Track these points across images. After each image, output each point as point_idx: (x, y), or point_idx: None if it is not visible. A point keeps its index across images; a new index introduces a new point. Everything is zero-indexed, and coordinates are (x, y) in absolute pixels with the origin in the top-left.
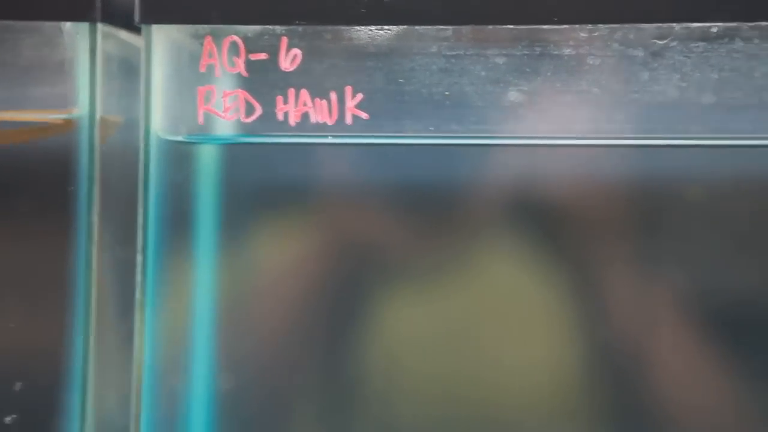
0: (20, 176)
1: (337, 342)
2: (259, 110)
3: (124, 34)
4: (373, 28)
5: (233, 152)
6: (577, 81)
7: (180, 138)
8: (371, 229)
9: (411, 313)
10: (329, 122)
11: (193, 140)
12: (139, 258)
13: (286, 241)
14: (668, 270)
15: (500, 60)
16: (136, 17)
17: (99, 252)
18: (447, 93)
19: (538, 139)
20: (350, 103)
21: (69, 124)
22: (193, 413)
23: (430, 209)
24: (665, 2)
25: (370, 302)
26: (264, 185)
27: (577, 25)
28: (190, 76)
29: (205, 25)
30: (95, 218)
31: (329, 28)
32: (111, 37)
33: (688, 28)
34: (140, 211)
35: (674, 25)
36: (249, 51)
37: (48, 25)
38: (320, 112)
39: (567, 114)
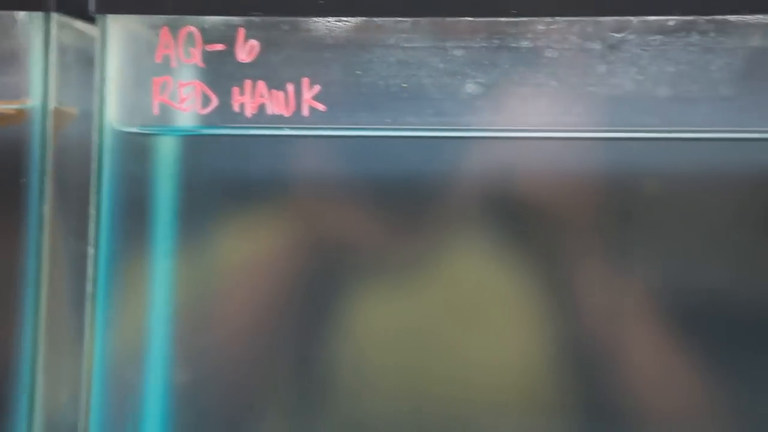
0: None
1: (296, 336)
2: (215, 101)
3: (80, 25)
4: (331, 19)
5: (189, 144)
6: (534, 74)
7: (134, 129)
8: (331, 222)
9: (370, 308)
10: (286, 114)
11: (147, 131)
12: (91, 250)
13: (245, 233)
14: (630, 262)
15: (458, 52)
16: (91, 7)
17: (51, 245)
18: (405, 85)
19: (496, 131)
20: (307, 94)
21: (21, 115)
22: (147, 409)
23: (389, 202)
24: None
25: (327, 295)
26: (220, 177)
27: (535, 18)
28: (146, 66)
29: (161, 16)
30: (47, 210)
31: (287, 19)
32: (66, 27)
33: (645, 21)
34: (93, 202)
35: (631, 18)
36: (205, 42)
37: (1, 15)
38: (277, 104)
39: (524, 106)
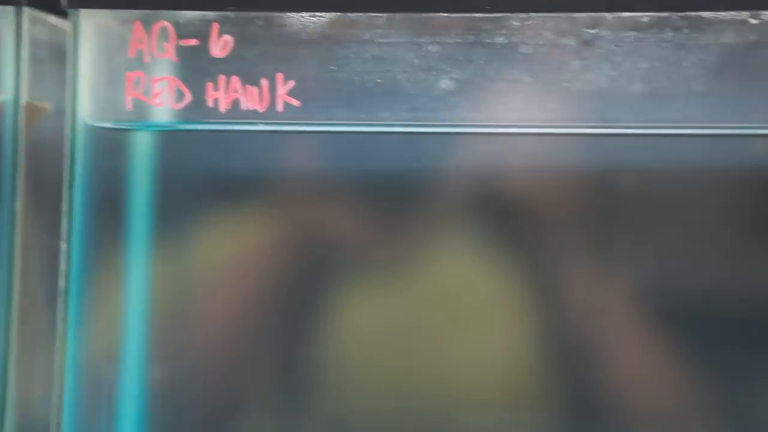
0: None
1: (273, 332)
2: (189, 97)
3: (52, 19)
4: (305, 14)
5: (163, 139)
6: (509, 69)
7: (107, 124)
8: (309, 218)
9: (347, 304)
10: (260, 109)
11: (120, 127)
12: (63, 246)
13: (221, 229)
14: (607, 256)
15: (433, 48)
16: (63, 2)
17: (23, 240)
18: (379, 81)
19: (471, 127)
20: (281, 90)
21: None
22: (122, 407)
23: (368, 198)
24: None
25: (303, 291)
26: (195, 172)
27: (509, 14)
28: (119, 61)
29: (134, 11)
30: (19, 205)
31: (261, 14)
32: (39, 22)
33: (619, 17)
34: (65, 197)
35: (605, 14)
36: (179, 37)
37: None
38: (251, 99)
39: (499, 102)
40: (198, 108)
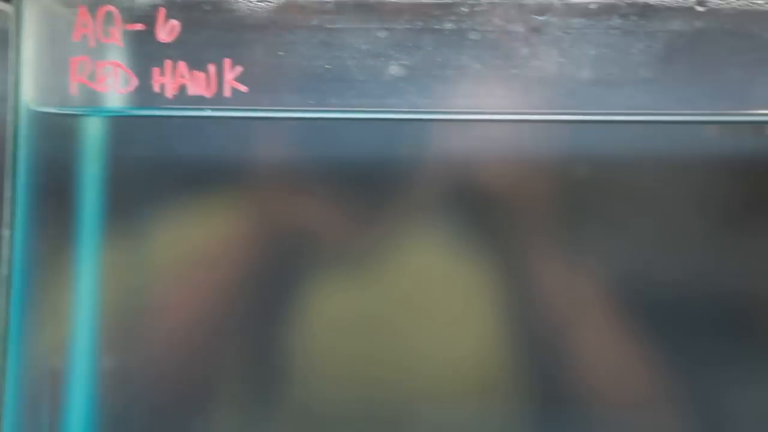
0: None
1: (228, 323)
2: (134, 82)
3: None
4: None
5: (108, 124)
6: (458, 56)
7: (51, 109)
8: (263, 206)
9: (302, 294)
10: (207, 95)
11: (65, 112)
12: (6, 232)
13: (172, 217)
14: (560, 245)
15: (382, 34)
16: None
17: None
18: (328, 67)
19: (420, 113)
20: (229, 75)
21: None
22: (69, 398)
23: (319, 185)
24: None
25: (257, 277)
26: (139, 158)
27: (458, 0)
28: (63, 46)
29: None
30: None
31: None
32: None
33: (567, 4)
34: (8, 184)
35: (554, 1)
36: (125, 21)
37: None
38: (198, 85)
39: (448, 89)
40: (144, 93)
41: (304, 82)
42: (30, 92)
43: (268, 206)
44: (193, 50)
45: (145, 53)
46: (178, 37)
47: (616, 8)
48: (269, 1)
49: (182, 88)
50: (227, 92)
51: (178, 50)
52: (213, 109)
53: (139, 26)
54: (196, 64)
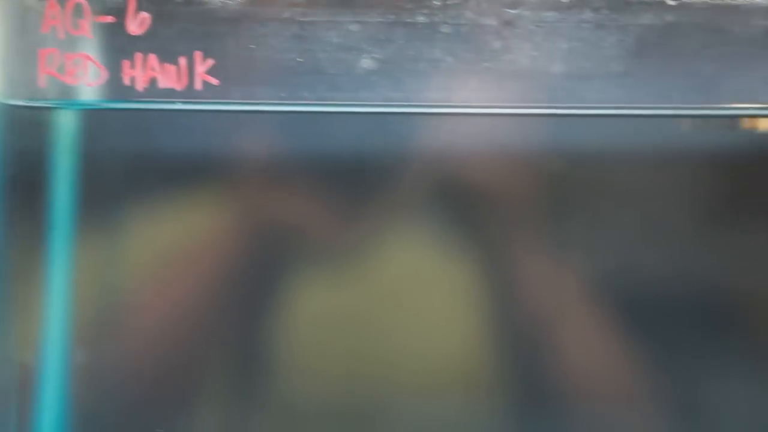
0: None
1: (204, 320)
2: (104, 75)
3: None
4: None
5: (80, 117)
6: (430, 49)
7: (20, 102)
8: (238, 200)
9: (275, 291)
10: (178, 88)
11: (33, 104)
12: None
13: (145, 212)
14: (530, 234)
15: (354, 27)
16: None
17: None
18: (300, 60)
19: (392, 107)
20: (200, 68)
21: None
22: (41, 394)
23: (290, 178)
24: None
25: (225, 274)
26: (111, 151)
27: None
28: (32, 38)
29: None
30: None
31: None
32: None
33: None
34: None
35: None
36: (95, 13)
37: None
38: (169, 78)
39: (420, 82)
40: (114, 86)
41: (276, 75)
42: None
43: (244, 200)
44: (163, 43)
45: (115, 46)
46: (148, 29)
47: (588, 2)
48: None
49: (153, 81)
50: (198, 85)
51: (149, 43)
52: (185, 102)
53: (109, 18)
54: (167, 56)
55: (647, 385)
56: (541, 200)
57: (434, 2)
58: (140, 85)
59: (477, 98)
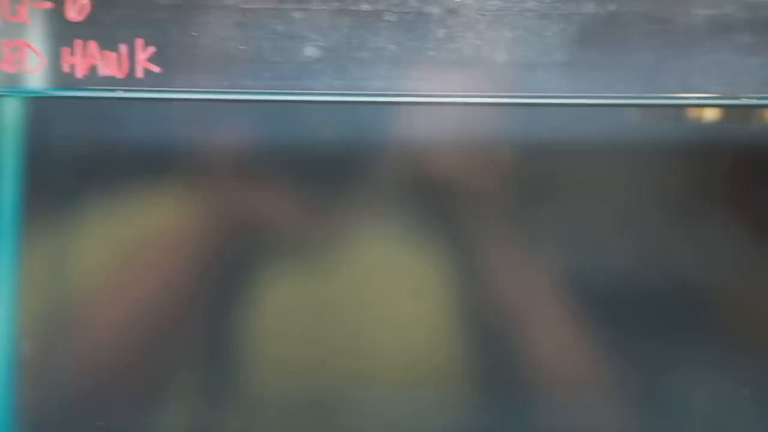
0: None
1: (149, 316)
2: (43, 62)
3: None
4: None
5: (22, 105)
6: (374, 37)
7: None
8: (188, 192)
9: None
10: (119, 75)
11: None
12: None
13: (92, 203)
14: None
15: (297, 15)
16: None
17: None
18: (243, 47)
19: (335, 95)
20: (141, 56)
21: None
22: None
23: (224, 166)
24: None
25: (176, 265)
26: (46, 139)
27: None
28: None
29: None
30: None
31: None
32: None
33: None
34: None
35: None
36: None
37: None
38: (109, 65)
39: (364, 70)
40: (53, 73)
41: (219, 63)
42: None
43: (197, 191)
44: (104, 30)
45: (55, 32)
46: (88, 15)
47: None
48: None
49: (93, 69)
50: (140, 73)
51: (89, 29)
52: (126, 90)
53: (48, 4)
54: (108, 44)
55: (613, 375)
56: (484, 190)
57: None
58: (80, 73)
59: (421, 87)
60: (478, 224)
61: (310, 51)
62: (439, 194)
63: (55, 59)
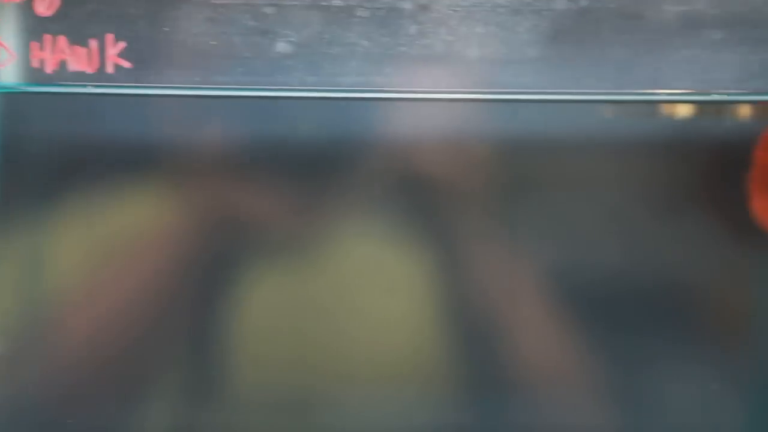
0: None
1: (120, 313)
2: (12, 57)
3: None
4: None
5: None
6: (346, 33)
7: None
8: (163, 189)
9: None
10: (89, 71)
11: None
12: None
13: (65, 200)
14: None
15: (269, 10)
16: None
17: None
18: (214, 43)
19: (307, 91)
20: (112, 51)
21: None
22: None
23: (199, 162)
24: None
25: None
26: (19, 133)
27: None
28: None
29: None
30: None
31: None
32: None
33: None
34: None
35: None
36: None
37: None
38: (79, 61)
39: (336, 66)
40: (22, 68)
41: (190, 58)
42: None
43: (171, 189)
44: (73, 25)
45: (24, 27)
46: (57, 10)
47: None
48: None
49: (62, 64)
50: (110, 68)
51: (58, 24)
52: (97, 86)
53: None
54: (77, 39)
55: (596, 373)
56: (455, 186)
57: None
58: (50, 68)
59: (393, 83)
60: (448, 220)
61: (282, 47)
62: (412, 190)
63: (24, 54)
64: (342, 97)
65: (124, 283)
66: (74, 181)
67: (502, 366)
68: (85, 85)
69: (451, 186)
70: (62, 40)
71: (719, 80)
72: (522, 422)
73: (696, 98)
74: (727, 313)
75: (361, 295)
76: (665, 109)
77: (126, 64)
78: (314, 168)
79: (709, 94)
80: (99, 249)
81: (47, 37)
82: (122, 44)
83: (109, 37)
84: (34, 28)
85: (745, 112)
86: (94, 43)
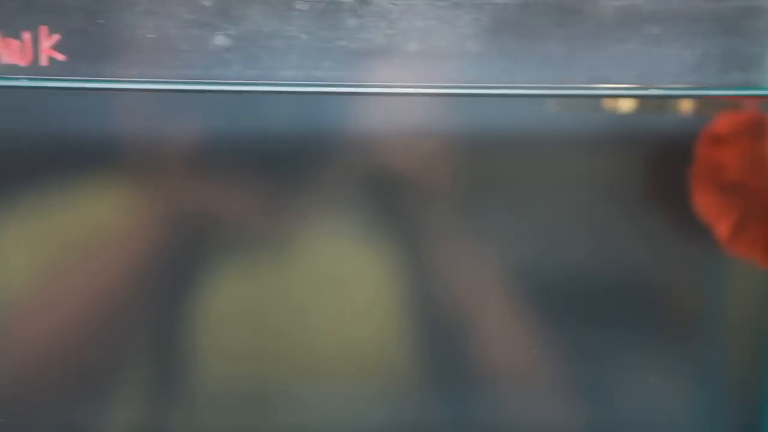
0: None
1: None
2: None
3: None
4: None
5: None
6: (285, 26)
7: None
8: (92, 185)
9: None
10: (22, 63)
11: None
12: None
13: (20, 198)
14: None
15: (207, 3)
16: None
17: None
18: (151, 36)
19: (246, 85)
20: (46, 43)
21: None
22: None
23: (135, 156)
24: None
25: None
26: None
27: None
28: None
29: None
30: None
31: None
32: None
33: None
34: None
35: None
36: None
37: None
38: (11, 53)
39: (275, 60)
40: None
41: (127, 51)
42: None
43: (114, 185)
44: (6, 16)
45: None
46: None
47: None
48: None
49: None
50: (44, 61)
51: None
52: (31, 79)
53: None
54: (10, 31)
55: (562, 368)
56: (393, 181)
57: None
58: None
59: (333, 77)
60: (400, 216)
61: (220, 40)
62: (364, 185)
63: None
64: (281, 90)
65: (68, 280)
66: (7, 176)
67: (469, 362)
68: (18, 78)
69: (393, 180)
70: None
71: (658, 74)
72: (487, 418)
73: (637, 93)
74: (670, 305)
75: (328, 291)
76: (606, 103)
77: (60, 57)
78: (259, 163)
79: (649, 88)
80: (40, 246)
81: None
82: (56, 36)
83: (43, 30)
84: None
85: (686, 107)
86: (27, 36)
